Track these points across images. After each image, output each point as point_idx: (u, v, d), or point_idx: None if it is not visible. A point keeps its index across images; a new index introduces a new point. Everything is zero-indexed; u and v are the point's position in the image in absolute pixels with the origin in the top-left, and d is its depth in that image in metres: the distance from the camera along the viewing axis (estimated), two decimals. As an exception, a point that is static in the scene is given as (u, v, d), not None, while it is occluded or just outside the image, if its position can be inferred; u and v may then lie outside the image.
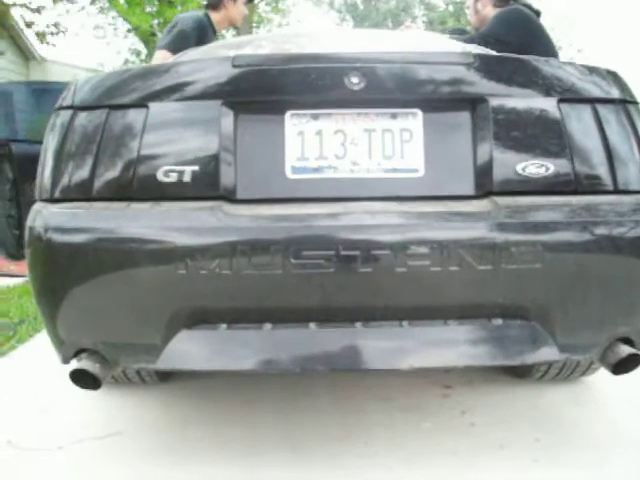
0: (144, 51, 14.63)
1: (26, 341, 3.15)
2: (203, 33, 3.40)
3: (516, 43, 2.91)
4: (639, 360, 1.57)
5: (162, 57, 3.13)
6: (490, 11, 3.38)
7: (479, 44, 2.59)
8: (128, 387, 2.37)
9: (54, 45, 11.85)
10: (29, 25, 11.38)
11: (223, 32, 9.34)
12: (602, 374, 2.08)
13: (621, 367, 1.58)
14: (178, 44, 3.13)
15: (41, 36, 11.59)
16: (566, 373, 2.24)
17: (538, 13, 3.35)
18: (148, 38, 12.51)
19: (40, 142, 1.66)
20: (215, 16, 3.54)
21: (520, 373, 2.40)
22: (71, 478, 1.78)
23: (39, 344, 3.01)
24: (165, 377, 2.41)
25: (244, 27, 11.36)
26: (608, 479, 1.71)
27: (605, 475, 1.73)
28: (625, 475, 1.73)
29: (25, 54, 14.19)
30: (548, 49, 3.15)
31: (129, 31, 14.42)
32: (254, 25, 15.41)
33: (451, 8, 23.40)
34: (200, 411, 2.19)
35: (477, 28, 3.50)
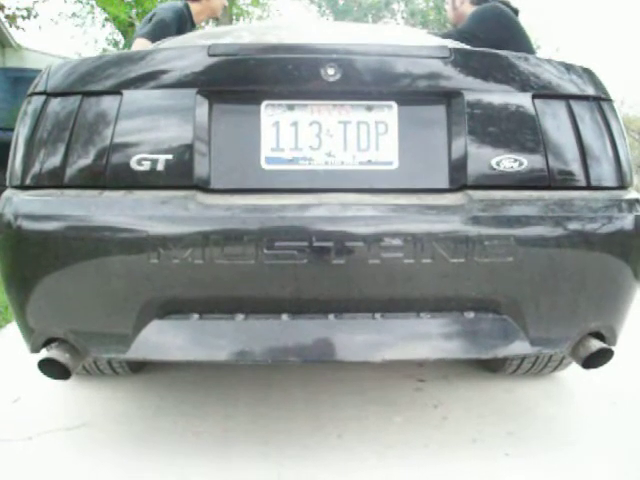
0: (122, 41, 14.46)
1: (-3, 331, 3.11)
2: (182, 24, 3.35)
3: (493, 40, 2.92)
4: (609, 355, 1.60)
5: (141, 45, 3.07)
6: (467, 8, 3.39)
7: (456, 40, 2.60)
8: (99, 378, 2.34)
9: (23, 29, 11.67)
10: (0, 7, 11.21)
11: (203, 24, 9.27)
12: (576, 369, 2.11)
13: (591, 361, 1.61)
14: (158, 33, 3.08)
15: (12, 19, 11.40)
16: (539, 367, 2.25)
17: (516, 11, 3.37)
18: (127, 28, 12.39)
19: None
20: (195, 7, 3.49)
21: (493, 367, 2.42)
22: (38, 469, 1.75)
23: (10, 334, 2.97)
24: (137, 368, 2.39)
25: (224, 19, 11.28)
26: (579, 473, 1.73)
27: (577, 469, 1.74)
28: (596, 469, 1.75)
29: (1, 41, 13.94)
30: (525, 47, 3.16)
31: (107, 20, 14.26)
32: (234, 18, 15.31)
33: (431, 3, 23.43)
34: (172, 403, 2.18)
35: (455, 24, 3.52)
